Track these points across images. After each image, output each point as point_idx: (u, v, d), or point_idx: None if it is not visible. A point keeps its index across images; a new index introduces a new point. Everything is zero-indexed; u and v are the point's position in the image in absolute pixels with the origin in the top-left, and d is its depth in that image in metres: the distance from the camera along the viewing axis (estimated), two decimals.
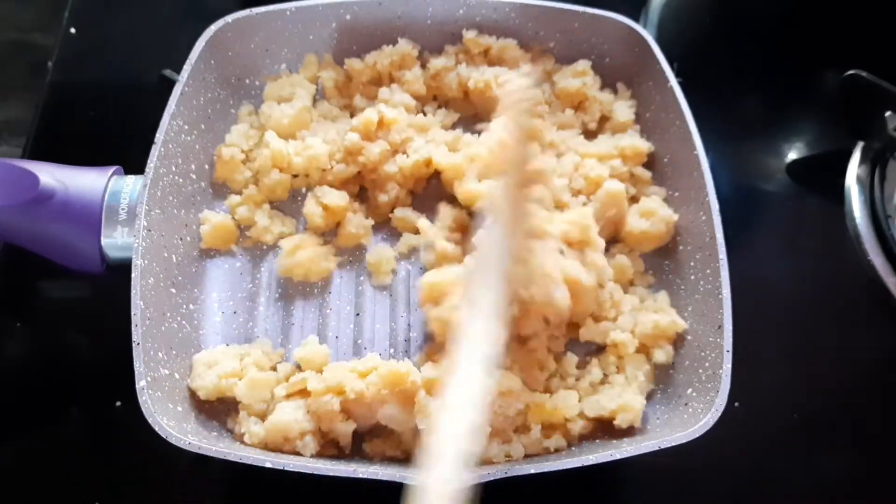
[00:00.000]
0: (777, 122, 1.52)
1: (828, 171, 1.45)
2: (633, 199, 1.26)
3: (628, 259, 1.20)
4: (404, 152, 1.23)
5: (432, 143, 1.24)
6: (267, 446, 1.01)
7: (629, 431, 1.06)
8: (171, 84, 1.15)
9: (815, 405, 1.22)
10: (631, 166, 1.26)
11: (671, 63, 1.25)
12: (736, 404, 1.01)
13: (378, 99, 1.29)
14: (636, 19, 1.31)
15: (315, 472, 0.92)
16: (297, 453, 1.00)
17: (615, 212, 1.19)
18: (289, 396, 1.05)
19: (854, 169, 1.41)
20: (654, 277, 1.23)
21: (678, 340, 1.13)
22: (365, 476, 0.91)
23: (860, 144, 1.43)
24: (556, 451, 1.05)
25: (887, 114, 1.36)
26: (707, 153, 1.15)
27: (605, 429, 1.08)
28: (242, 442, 1.02)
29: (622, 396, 1.06)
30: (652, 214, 1.20)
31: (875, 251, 1.32)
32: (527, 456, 1.03)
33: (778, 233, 1.39)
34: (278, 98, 1.28)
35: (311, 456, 1.00)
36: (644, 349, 1.14)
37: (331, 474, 0.92)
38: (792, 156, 1.47)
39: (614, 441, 1.05)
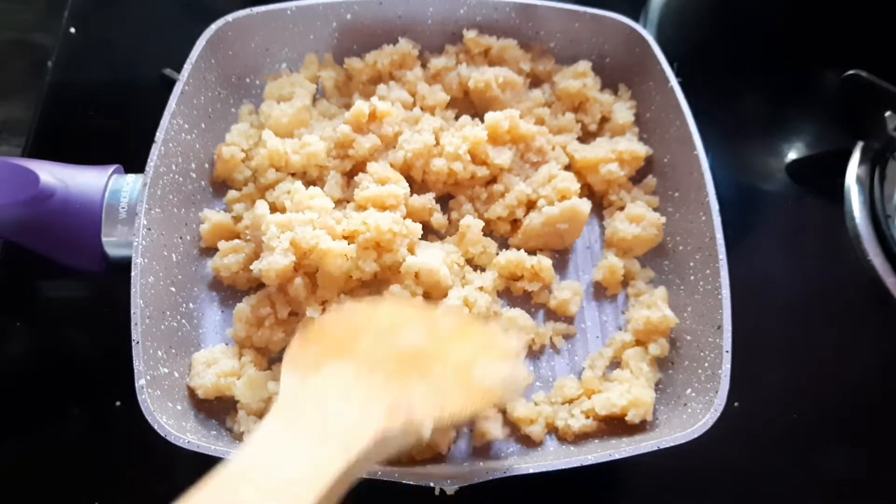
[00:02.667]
0: (777, 122, 1.52)
1: (828, 171, 1.45)
2: (620, 207, 1.27)
3: (620, 261, 1.21)
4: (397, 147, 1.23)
5: (418, 133, 1.22)
6: None
7: (640, 427, 1.07)
8: (171, 83, 1.15)
9: (815, 405, 1.22)
10: (628, 170, 1.27)
11: (671, 63, 1.25)
12: (736, 404, 1.01)
13: (376, 95, 1.28)
14: (636, 19, 1.31)
15: None
16: None
17: (568, 227, 1.19)
18: None
19: (854, 169, 1.41)
20: (653, 272, 1.23)
21: (677, 340, 1.14)
22: (364, 476, 0.92)
23: (860, 144, 1.43)
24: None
25: (887, 114, 1.36)
26: (707, 153, 1.16)
27: (606, 428, 1.09)
28: (241, 441, 1.02)
29: (631, 392, 1.07)
30: (641, 219, 1.21)
31: (875, 251, 1.32)
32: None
33: (778, 233, 1.39)
34: (278, 97, 1.28)
35: None
36: (641, 344, 1.15)
37: None
38: (792, 156, 1.47)
39: (613, 440, 1.06)
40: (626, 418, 1.05)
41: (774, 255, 1.36)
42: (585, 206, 1.17)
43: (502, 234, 1.24)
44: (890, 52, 1.46)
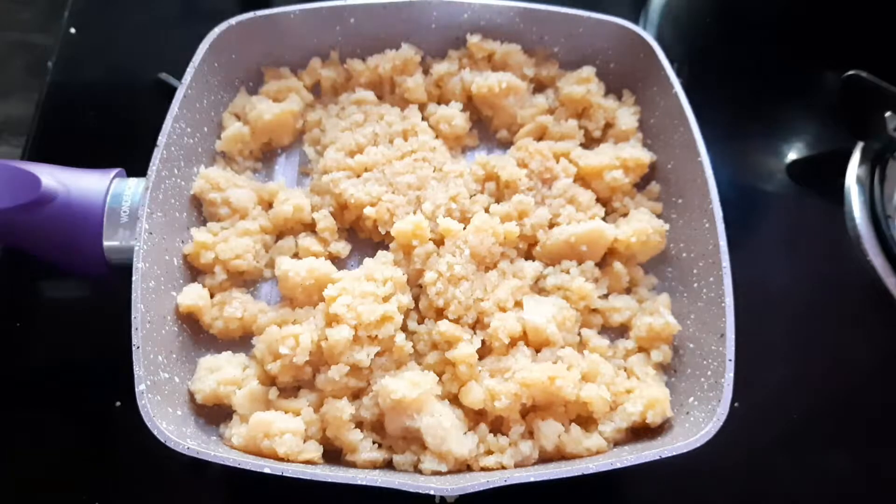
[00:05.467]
0: (777, 122, 1.52)
1: (828, 171, 1.45)
2: (624, 214, 1.27)
3: (624, 268, 1.20)
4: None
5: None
6: (248, 445, 1.01)
7: (664, 427, 1.07)
8: (167, 88, 1.14)
9: (815, 405, 1.23)
10: (633, 177, 1.26)
11: (671, 64, 1.24)
12: (736, 404, 1.00)
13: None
14: (636, 20, 1.31)
15: (314, 479, 0.92)
16: (284, 457, 1.00)
17: (588, 250, 1.18)
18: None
19: (854, 169, 1.41)
20: (657, 279, 1.23)
21: (680, 348, 1.14)
22: (364, 483, 0.92)
23: (860, 144, 1.43)
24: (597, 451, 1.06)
25: (887, 114, 1.35)
26: (707, 153, 1.15)
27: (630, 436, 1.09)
28: (231, 445, 1.01)
29: (643, 395, 1.06)
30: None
31: (875, 251, 1.32)
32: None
33: (778, 233, 1.39)
34: (273, 96, 1.28)
35: (286, 454, 0.99)
36: (644, 350, 1.15)
37: (330, 480, 0.92)
38: (792, 156, 1.47)
39: (615, 449, 1.06)
40: (647, 422, 1.05)
41: (774, 255, 1.36)
42: (610, 230, 1.18)
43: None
44: (890, 52, 1.46)
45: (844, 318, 1.30)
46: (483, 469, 1.02)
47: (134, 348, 0.97)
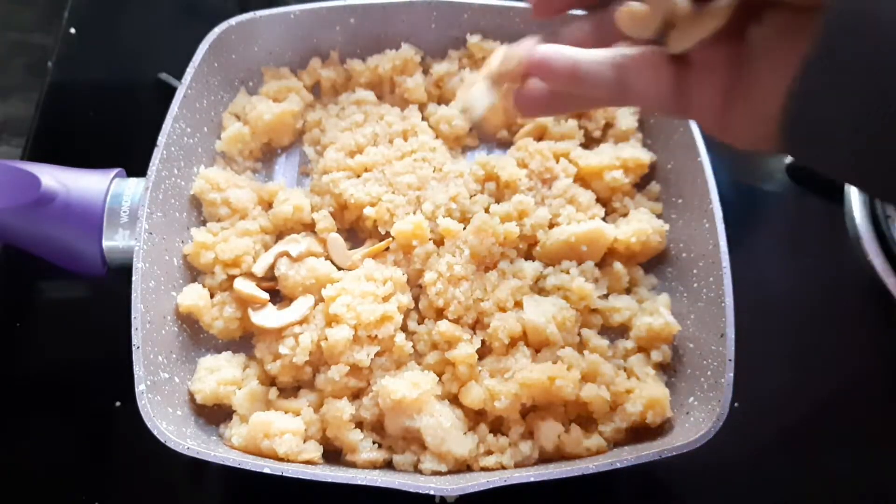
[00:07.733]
0: None
1: None
2: (624, 214, 1.26)
3: (624, 268, 1.19)
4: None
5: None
6: (248, 445, 1.01)
7: (664, 427, 1.07)
8: (167, 88, 1.14)
9: (816, 405, 1.22)
10: (633, 177, 1.25)
11: None
12: (736, 404, 1.00)
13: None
14: None
15: (314, 479, 0.92)
16: (284, 457, 1.00)
17: (588, 250, 1.17)
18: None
19: None
20: (657, 279, 1.23)
21: (680, 348, 1.13)
22: (364, 483, 0.92)
23: None
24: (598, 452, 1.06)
25: None
26: (706, 152, 1.15)
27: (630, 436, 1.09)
28: (231, 445, 1.02)
29: (643, 395, 1.06)
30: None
31: (875, 251, 1.31)
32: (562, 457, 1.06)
33: (778, 233, 1.38)
34: (274, 97, 1.28)
35: (286, 454, 0.99)
36: (644, 350, 1.15)
37: (330, 480, 0.92)
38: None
39: (615, 449, 1.06)
40: (647, 422, 1.05)
41: (774, 255, 1.35)
42: (610, 230, 1.17)
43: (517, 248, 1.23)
44: None
45: (844, 317, 1.30)
46: (483, 469, 1.03)
47: (134, 348, 0.97)
